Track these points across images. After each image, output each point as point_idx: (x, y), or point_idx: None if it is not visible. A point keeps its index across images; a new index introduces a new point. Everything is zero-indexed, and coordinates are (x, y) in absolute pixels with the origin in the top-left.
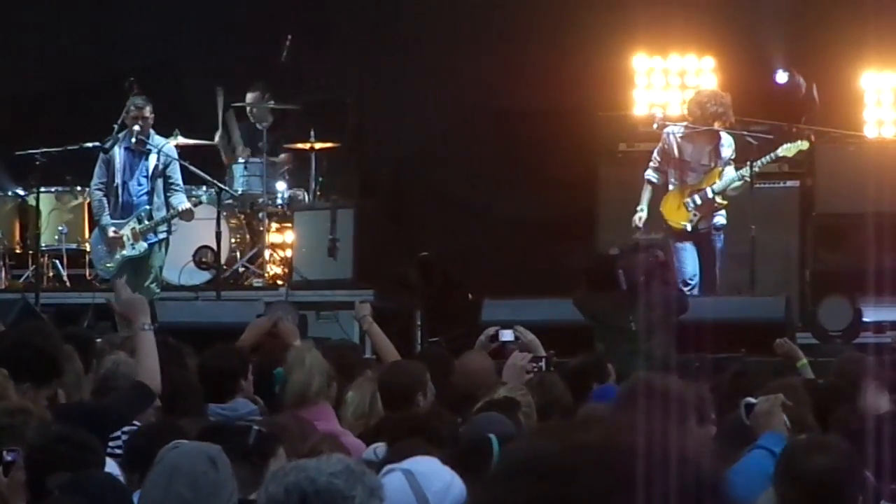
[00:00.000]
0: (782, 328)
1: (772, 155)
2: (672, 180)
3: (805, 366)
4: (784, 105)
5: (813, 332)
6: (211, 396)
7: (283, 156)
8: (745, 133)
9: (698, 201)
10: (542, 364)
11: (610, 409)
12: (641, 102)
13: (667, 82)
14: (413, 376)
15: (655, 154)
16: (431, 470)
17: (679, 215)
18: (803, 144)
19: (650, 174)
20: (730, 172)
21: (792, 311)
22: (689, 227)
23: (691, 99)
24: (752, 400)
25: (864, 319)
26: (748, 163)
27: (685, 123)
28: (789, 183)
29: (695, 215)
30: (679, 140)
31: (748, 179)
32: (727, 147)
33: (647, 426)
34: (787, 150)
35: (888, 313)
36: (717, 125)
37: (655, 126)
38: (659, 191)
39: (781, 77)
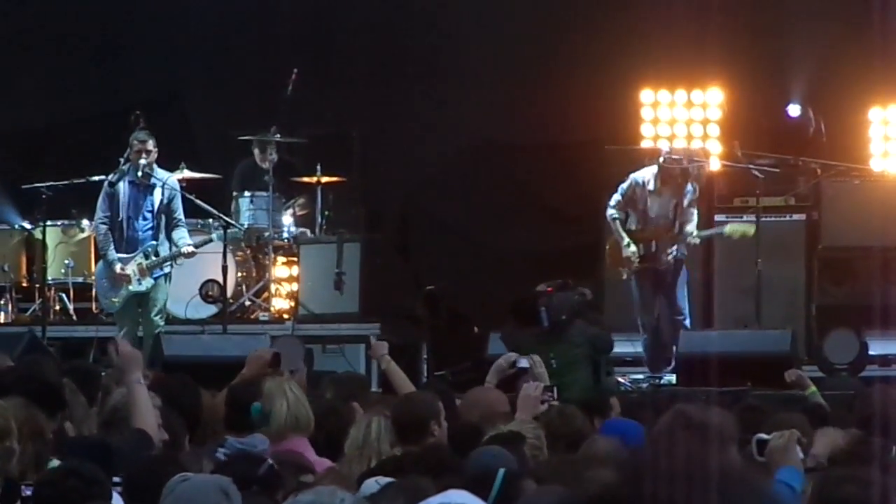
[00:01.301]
0: (788, 361)
1: (715, 231)
2: (630, 225)
3: (815, 393)
4: (792, 139)
5: (819, 366)
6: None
7: (301, 200)
8: (751, 166)
9: (642, 251)
10: (554, 394)
11: (617, 444)
12: (648, 136)
13: (672, 116)
14: (426, 406)
15: (619, 196)
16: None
17: (621, 262)
18: (750, 229)
19: (613, 213)
20: (693, 216)
21: (798, 345)
22: (623, 276)
23: (664, 167)
24: (763, 436)
25: (870, 352)
26: (695, 233)
27: (654, 182)
28: (795, 216)
29: (636, 265)
30: (648, 195)
31: (699, 241)
32: (692, 194)
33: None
34: (732, 230)
35: (894, 346)
36: (689, 184)
37: (662, 160)
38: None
39: (794, 110)
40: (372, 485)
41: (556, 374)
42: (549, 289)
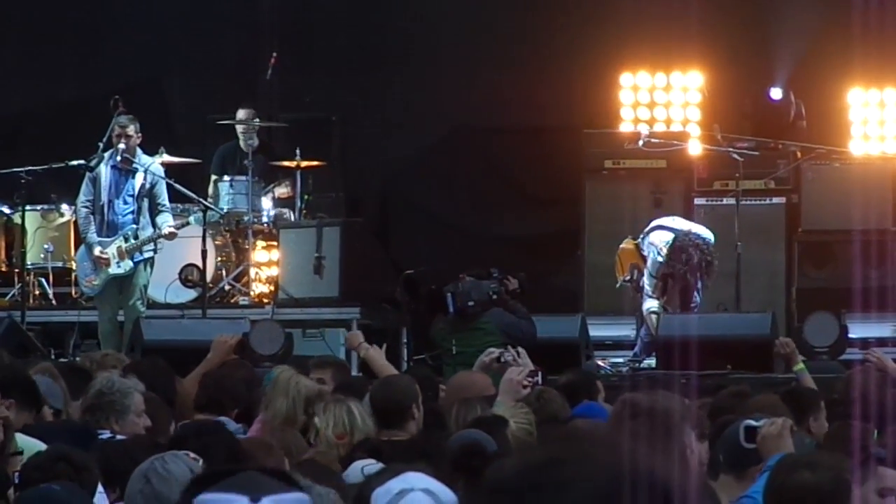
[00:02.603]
0: (768, 345)
1: None
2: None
3: (803, 369)
4: (774, 122)
5: (799, 349)
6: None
7: (283, 190)
8: (731, 149)
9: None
10: (539, 378)
11: (595, 425)
12: (628, 119)
13: (652, 99)
14: (405, 390)
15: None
16: (440, 486)
17: (619, 268)
18: None
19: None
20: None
21: (778, 328)
22: (618, 284)
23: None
24: (752, 422)
25: (850, 336)
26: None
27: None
28: (775, 200)
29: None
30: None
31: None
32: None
33: (632, 444)
34: None
35: (874, 329)
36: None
37: (641, 143)
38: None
39: (776, 93)
40: (357, 469)
41: (456, 361)
42: (461, 276)
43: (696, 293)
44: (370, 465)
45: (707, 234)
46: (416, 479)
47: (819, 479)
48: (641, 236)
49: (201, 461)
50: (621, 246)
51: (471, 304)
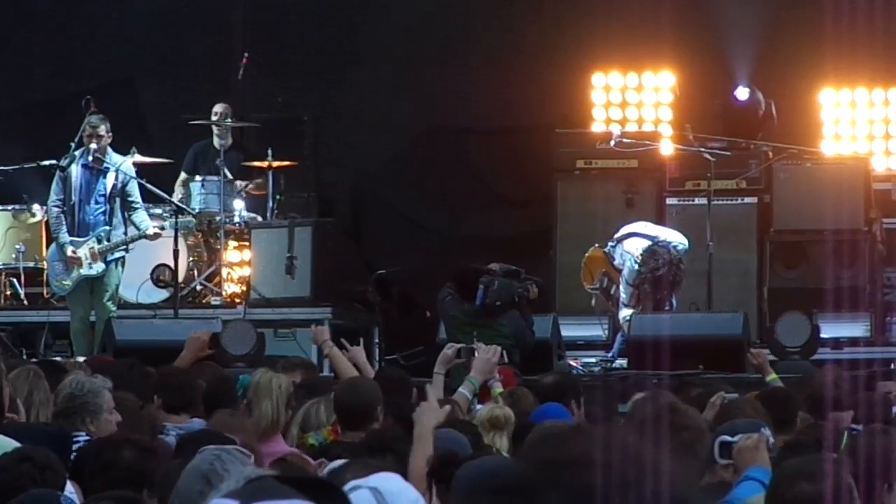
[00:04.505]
0: (740, 344)
1: None
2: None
3: (775, 379)
4: (743, 122)
5: (771, 349)
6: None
7: (251, 185)
8: (703, 149)
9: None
10: (504, 357)
11: (564, 426)
12: (599, 119)
13: (624, 99)
14: (370, 393)
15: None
16: (397, 488)
17: (586, 276)
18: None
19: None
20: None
21: (749, 328)
22: (588, 287)
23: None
24: (728, 438)
25: (822, 335)
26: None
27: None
28: (747, 200)
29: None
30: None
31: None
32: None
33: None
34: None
35: (845, 329)
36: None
37: (613, 143)
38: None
39: (742, 93)
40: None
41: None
42: (492, 268)
43: (668, 303)
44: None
45: (680, 240)
46: (377, 478)
47: (818, 489)
48: (612, 244)
49: (252, 457)
50: (588, 254)
51: (498, 303)
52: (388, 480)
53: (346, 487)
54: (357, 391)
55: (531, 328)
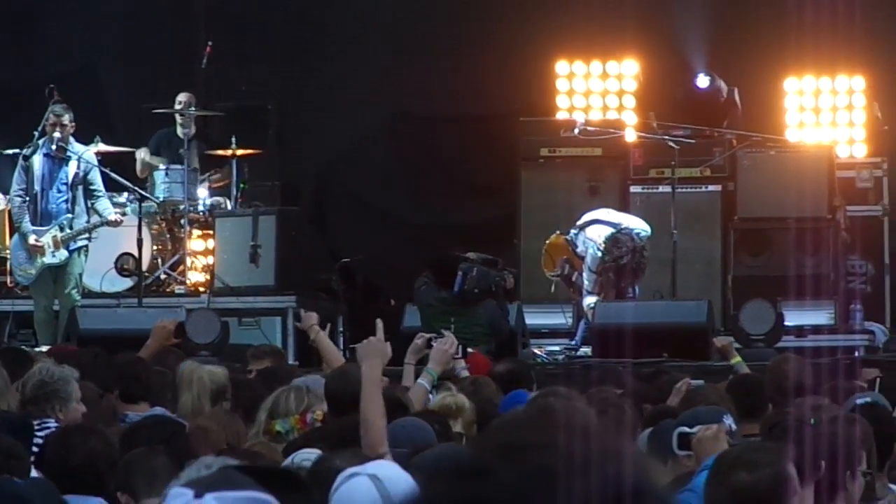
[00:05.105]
0: (704, 332)
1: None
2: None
3: (740, 362)
4: (706, 109)
5: (735, 336)
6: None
7: (216, 176)
8: (667, 137)
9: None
10: (460, 352)
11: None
12: (563, 107)
13: (588, 87)
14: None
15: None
16: (395, 474)
17: (548, 263)
18: None
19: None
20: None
21: (714, 316)
22: (550, 275)
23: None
24: (686, 429)
25: (786, 323)
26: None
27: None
28: (711, 187)
29: (555, 275)
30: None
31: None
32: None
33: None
34: None
35: (809, 317)
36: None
37: (577, 131)
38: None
39: (703, 81)
40: (303, 456)
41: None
42: (470, 257)
43: (630, 290)
44: (308, 454)
45: (642, 226)
46: (373, 465)
47: (757, 478)
48: (575, 231)
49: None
50: (549, 241)
51: (476, 291)
52: (385, 467)
53: (344, 474)
54: (347, 379)
55: (506, 318)
